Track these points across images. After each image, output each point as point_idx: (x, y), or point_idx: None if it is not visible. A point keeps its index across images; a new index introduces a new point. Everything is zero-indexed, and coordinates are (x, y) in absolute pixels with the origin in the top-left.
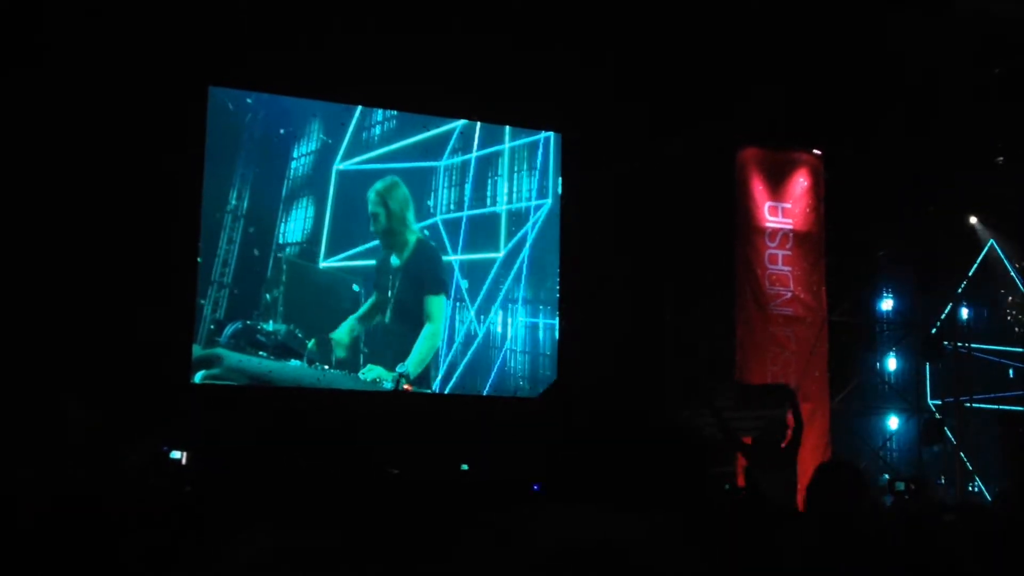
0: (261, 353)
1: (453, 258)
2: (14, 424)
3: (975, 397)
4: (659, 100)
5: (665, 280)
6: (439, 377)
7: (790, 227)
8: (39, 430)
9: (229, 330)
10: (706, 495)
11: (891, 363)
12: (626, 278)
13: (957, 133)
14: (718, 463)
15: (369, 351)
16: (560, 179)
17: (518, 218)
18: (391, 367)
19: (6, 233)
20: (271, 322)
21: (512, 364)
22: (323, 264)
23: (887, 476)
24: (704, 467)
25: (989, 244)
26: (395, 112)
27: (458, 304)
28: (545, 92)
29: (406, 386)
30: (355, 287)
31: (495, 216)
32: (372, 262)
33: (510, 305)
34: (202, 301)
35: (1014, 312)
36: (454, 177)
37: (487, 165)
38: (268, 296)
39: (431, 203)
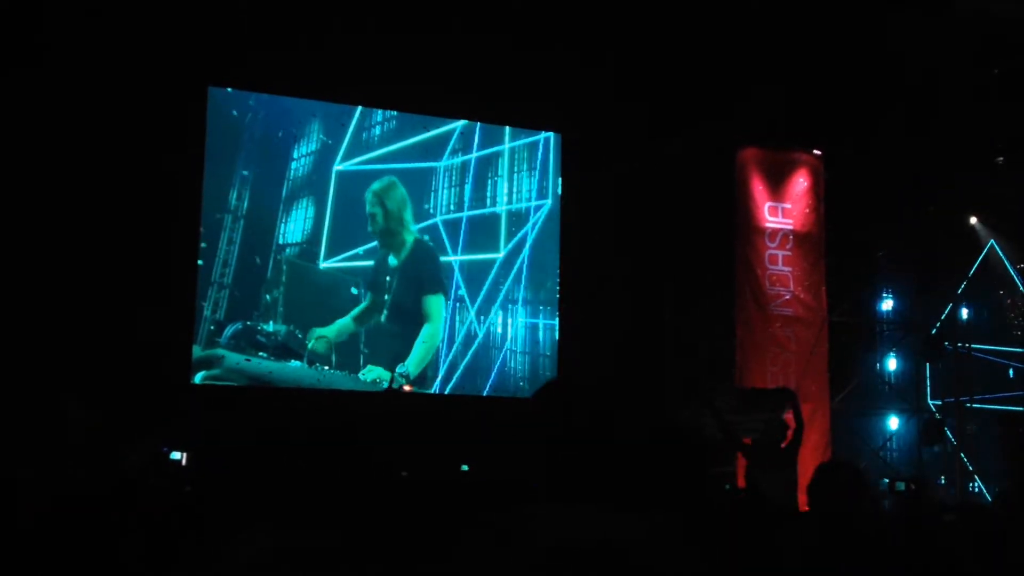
0: (261, 354)
1: (453, 259)
2: (14, 424)
3: (975, 397)
4: (659, 100)
5: (665, 280)
6: (439, 378)
7: (790, 227)
8: (39, 430)
9: (229, 331)
10: (706, 495)
11: (891, 363)
12: (626, 278)
13: (957, 133)
14: (718, 463)
15: (369, 351)
16: (560, 179)
17: (518, 218)
18: (391, 367)
19: (6, 233)
20: (271, 323)
21: (512, 365)
22: (323, 265)
23: (886, 480)
24: (704, 467)
25: (989, 244)
26: (395, 113)
27: (458, 305)
28: (545, 92)
29: (406, 387)
30: (354, 290)
31: (495, 216)
32: (372, 263)
33: (510, 305)
34: (202, 302)
35: (1013, 315)
36: (454, 177)
37: (487, 165)
38: (268, 297)
39: (431, 204)
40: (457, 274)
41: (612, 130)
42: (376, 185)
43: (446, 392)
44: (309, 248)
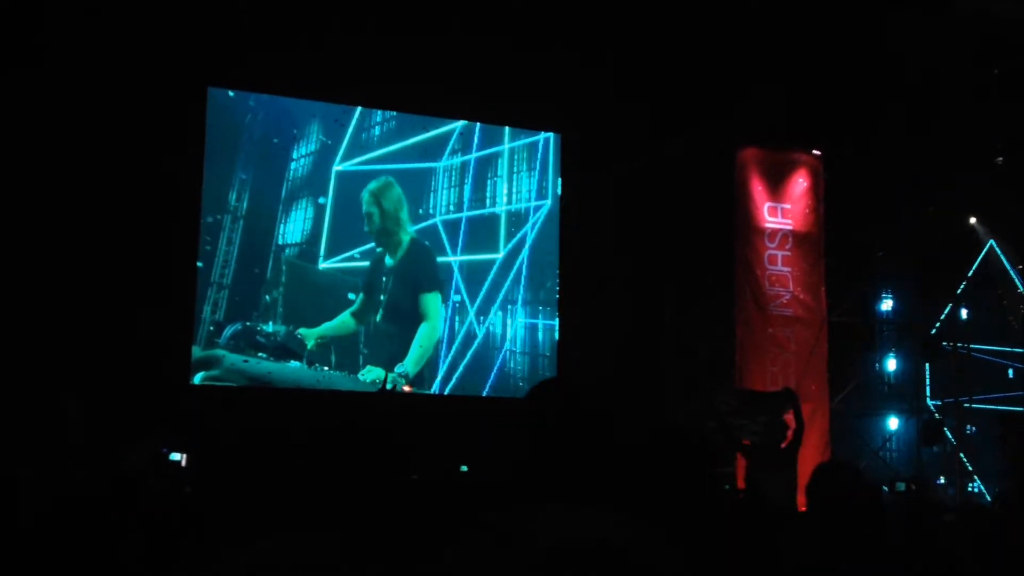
0: (261, 354)
1: (452, 259)
2: (14, 424)
3: (975, 397)
4: (659, 100)
5: (665, 280)
6: (439, 378)
7: (790, 228)
8: (39, 430)
9: (229, 331)
10: (706, 495)
11: (891, 363)
12: (626, 278)
13: (957, 133)
14: (718, 463)
15: (368, 352)
16: (560, 180)
17: (517, 219)
18: (390, 367)
19: (6, 233)
20: (271, 323)
21: (512, 365)
22: (323, 265)
23: (886, 488)
24: (704, 467)
25: (989, 245)
26: (394, 113)
27: (457, 305)
28: (545, 92)
29: (405, 387)
30: (351, 295)
31: (494, 217)
32: (369, 263)
33: (510, 306)
34: (202, 302)
35: (1012, 318)
36: (453, 178)
37: (486, 166)
38: (268, 297)
39: (430, 204)
40: (457, 274)
41: (612, 130)
42: (372, 185)
43: (446, 392)
44: (308, 248)
